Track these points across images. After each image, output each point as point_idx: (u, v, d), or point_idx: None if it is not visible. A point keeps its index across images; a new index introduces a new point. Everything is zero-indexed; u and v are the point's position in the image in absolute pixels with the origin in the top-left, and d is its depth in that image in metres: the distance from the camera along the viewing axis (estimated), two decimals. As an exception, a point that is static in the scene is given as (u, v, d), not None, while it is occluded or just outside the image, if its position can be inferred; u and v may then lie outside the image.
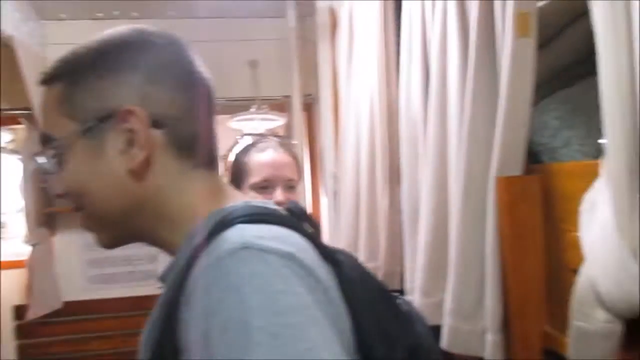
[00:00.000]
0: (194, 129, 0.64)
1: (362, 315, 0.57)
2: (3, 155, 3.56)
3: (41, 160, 0.65)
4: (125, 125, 0.61)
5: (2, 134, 3.60)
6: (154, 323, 0.57)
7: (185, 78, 0.64)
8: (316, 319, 0.48)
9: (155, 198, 0.63)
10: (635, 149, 0.79)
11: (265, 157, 1.47)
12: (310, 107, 3.17)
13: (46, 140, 0.64)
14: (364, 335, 0.56)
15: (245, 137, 1.62)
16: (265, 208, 0.61)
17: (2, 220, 3.61)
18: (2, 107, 2.89)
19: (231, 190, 0.69)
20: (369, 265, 1.93)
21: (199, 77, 0.66)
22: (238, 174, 1.49)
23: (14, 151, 3.65)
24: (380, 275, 1.82)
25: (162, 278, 0.62)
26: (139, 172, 0.62)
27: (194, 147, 0.64)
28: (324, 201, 2.83)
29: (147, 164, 0.62)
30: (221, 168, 1.62)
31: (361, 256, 1.97)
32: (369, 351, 0.56)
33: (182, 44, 0.66)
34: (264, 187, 1.44)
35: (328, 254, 0.58)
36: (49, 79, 0.65)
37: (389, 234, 1.80)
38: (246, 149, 1.53)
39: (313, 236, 0.59)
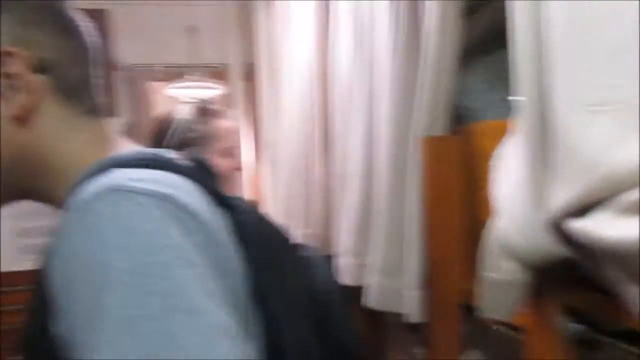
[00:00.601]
0: (80, 74, 0.62)
1: (257, 256, 0.57)
2: None
3: None
4: (5, 68, 0.57)
5: None
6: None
7: (66, 23, 0.62)
8: (188, 259, 0.46)
9: (41, 148, 0.59)
10: (546, 105, 0.81)
11: (231, 124, 1.48)
12: (250, 75, 3.11)
13: None
14: (259, 275, 0.56)
15: (186, 103, 1.57)
16: (156, 154, 0.59)
17: None
18: None
19: (121, 139, 0.67)
20: (305, 232, 1.95)
21: (78, 23, 0.63)
22: (196, 140, 1.43)
23: None
24: (315, 240, 1.83)
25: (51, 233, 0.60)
26: (24, 119, 0.58)
27: (80, 93, 0.62)
28: (265, 170, 2.81)
29: (31, 110, 0.58)
30: (147, 130, 1.59)
31: (297, 223, 1.98)
32: (265, 289, 0.56)
33: None
34: (229, 153, 1.43)
35: (224, 200, 0.57)
36: None
37: (323, 200, 1.80)
38: (201, 114, 1.47)
39: (208, 183, 0.57)
